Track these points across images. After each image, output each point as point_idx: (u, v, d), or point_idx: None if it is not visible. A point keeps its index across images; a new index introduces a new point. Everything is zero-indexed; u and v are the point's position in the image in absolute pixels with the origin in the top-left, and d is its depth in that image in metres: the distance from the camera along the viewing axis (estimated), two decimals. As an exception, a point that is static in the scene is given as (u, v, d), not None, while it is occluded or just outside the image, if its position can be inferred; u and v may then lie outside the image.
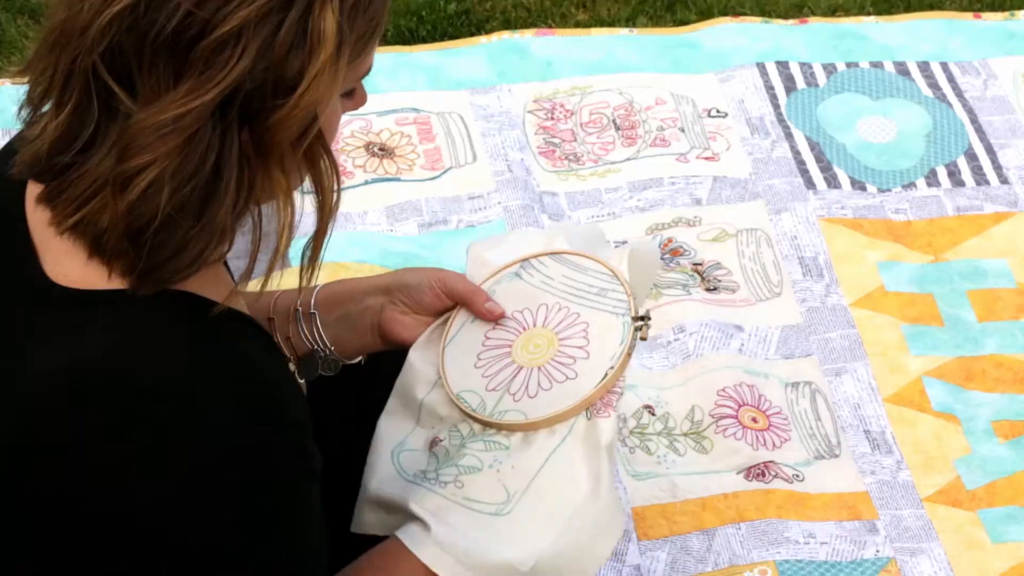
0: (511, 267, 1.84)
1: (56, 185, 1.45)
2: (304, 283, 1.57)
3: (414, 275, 1.83)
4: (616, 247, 1.85)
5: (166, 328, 1.45)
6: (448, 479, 1.72)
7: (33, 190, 1.50)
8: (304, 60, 1.41)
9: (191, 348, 1.45)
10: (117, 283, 1.46)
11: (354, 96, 1.54)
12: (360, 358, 1.88)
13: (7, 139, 2.80)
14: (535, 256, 1.84)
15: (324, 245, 1.54)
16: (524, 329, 1.80)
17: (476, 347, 1.79)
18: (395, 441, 1.78)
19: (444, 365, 1.78)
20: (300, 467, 1.47)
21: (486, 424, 1.74)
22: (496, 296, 1.81)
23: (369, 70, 1.52)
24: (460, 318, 1.81)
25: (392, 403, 1.80)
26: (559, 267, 1.82)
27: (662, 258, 2.73)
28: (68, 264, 1.47)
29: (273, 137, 1.43)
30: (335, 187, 1.51)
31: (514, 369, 1.76)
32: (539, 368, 1.76)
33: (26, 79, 1.48)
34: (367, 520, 1.74)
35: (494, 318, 1.79)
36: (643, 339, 1.76)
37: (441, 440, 1.76)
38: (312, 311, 1.83)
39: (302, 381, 1.81)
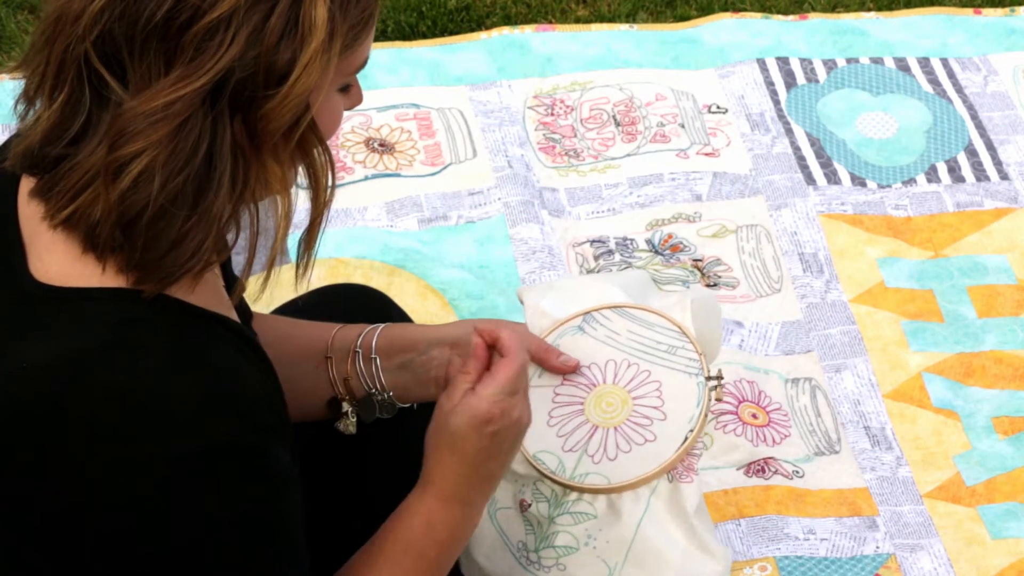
0: (573, 320, 1.83)
1: (49, 179, 1.45)
2: (299, 276, 1.57)
3: None
4: (669, 294, 1.85)
5: (138, 328, 1.44)
6: (550, 563, 1.74)
7: (27, 185, 1.50)
8: (295, 48, 1.41)
9: (161, 348, 1.44)
10: (111, 279, 1.45)
11: (350, 92, 1.55)
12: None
13: (6, 135, 2.81)
14: (597, 309, 1.84)
15: (318, 238, 1.54)
16: (595, 385, 1.80)
17: (547, 404, 1.79)
18: None
19: None
20: (267, 474, 1.47)
21: (567, 487, 1.75)
22: (560, 349, 1.81)
23: (364, 64, 1.52)
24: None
25: None
26: (623, 321, 1.82)
27: (661, 254, 2.73)
28: (53, 260, 1.46)
29: (266, 127, 1.43)
30: (330, 179, 1.51)
31: (589, 429, 1.77)
32: (615, 429, 1.76)
33: (24, 73, 1.48)
34: None
35: (570, 370, 1.79)
36: (719, 400, 1.77)
37: (528, 505, 1.78)
38: (373, 356, 1.83)
39: (353, 420, 1.82)
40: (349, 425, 1.84)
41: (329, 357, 1.83)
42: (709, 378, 1.77)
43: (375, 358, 1.83)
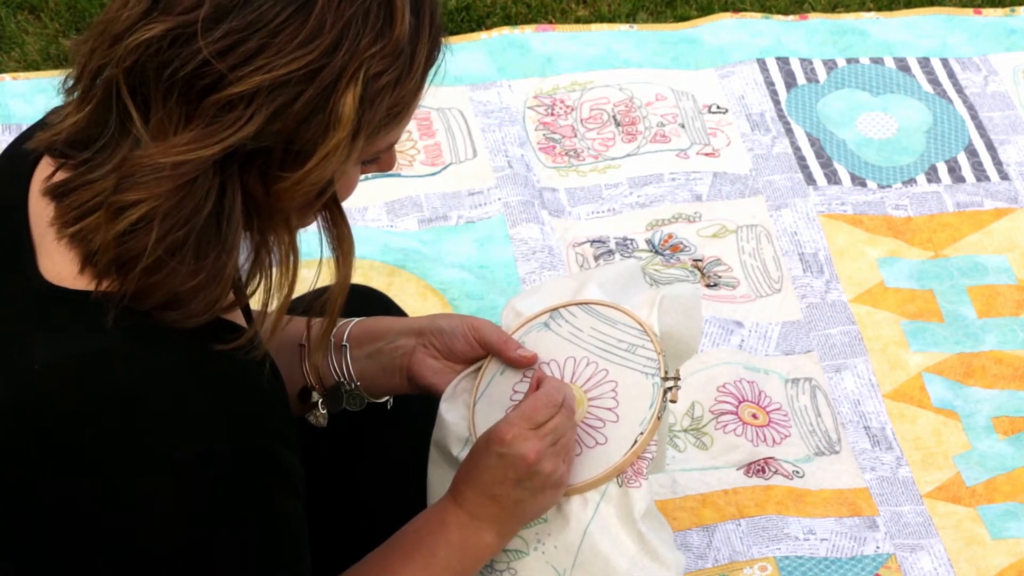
0: (540, 317, 1.82)
1: (64, 182, 1.45)
2: (314, 342, 1.58)
3: (448, 320, 1.83)
4: (652, 288, 1.83)
5: (148, 331, 1.44)
6: (502, 567, 1.74)
7: (41, 173, 1.50)
8: (316, 137, 1.40)
9: (171, 352, 1.44)
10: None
11: (380, 160, 1.53)
12: (388, 399, 1.87)
13: (6, 135, 2.81)
14: (564, 306, 1.82)
15: (340, 302, 1.54)
16: None
17: (505, 402, 1.78)
18: None
19: (474, 424, 1.78)
20: (275, 477, 1.47)
21: None
22: (525, 346, 1.81)
23: (396, 140, 1.50)
24: (491, 370, 1.80)
25: (434, 454, 1.81)
26: (588, 318, 1.80)
27: (661, 254, 2.73)
28: (64, 263, 1.46)
29: (276, 203, 1.43)
30: (346, 248, 1.50)
31: None
32: None
33: (72, 52, 1.47)
34: None
35: (527, 363, 1.78)
36: (673, 401, 1.74)
37: None
38: (344, 343, 1.83)
39: (324, 411, 1.82)
40: (320, 417, 1.84)
41: (303, 345, 1.83)
42: (665, 378, 1.75)
43: (346, 345, 1.83)
